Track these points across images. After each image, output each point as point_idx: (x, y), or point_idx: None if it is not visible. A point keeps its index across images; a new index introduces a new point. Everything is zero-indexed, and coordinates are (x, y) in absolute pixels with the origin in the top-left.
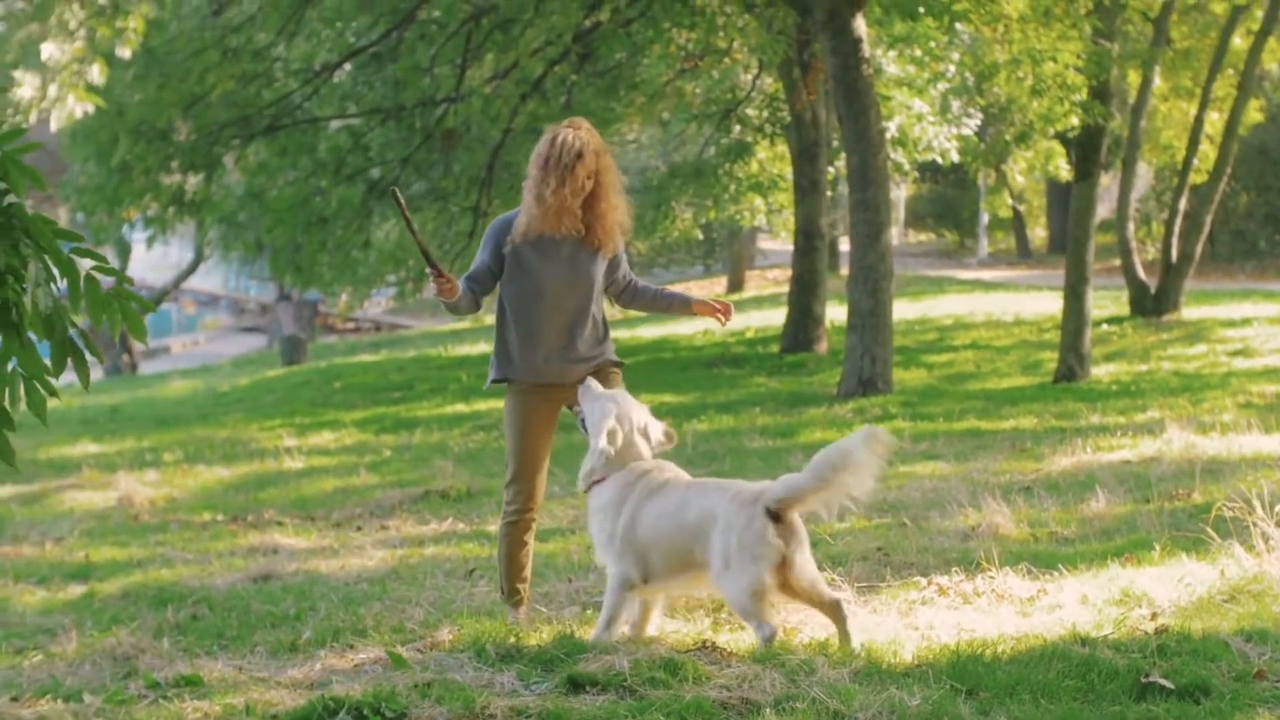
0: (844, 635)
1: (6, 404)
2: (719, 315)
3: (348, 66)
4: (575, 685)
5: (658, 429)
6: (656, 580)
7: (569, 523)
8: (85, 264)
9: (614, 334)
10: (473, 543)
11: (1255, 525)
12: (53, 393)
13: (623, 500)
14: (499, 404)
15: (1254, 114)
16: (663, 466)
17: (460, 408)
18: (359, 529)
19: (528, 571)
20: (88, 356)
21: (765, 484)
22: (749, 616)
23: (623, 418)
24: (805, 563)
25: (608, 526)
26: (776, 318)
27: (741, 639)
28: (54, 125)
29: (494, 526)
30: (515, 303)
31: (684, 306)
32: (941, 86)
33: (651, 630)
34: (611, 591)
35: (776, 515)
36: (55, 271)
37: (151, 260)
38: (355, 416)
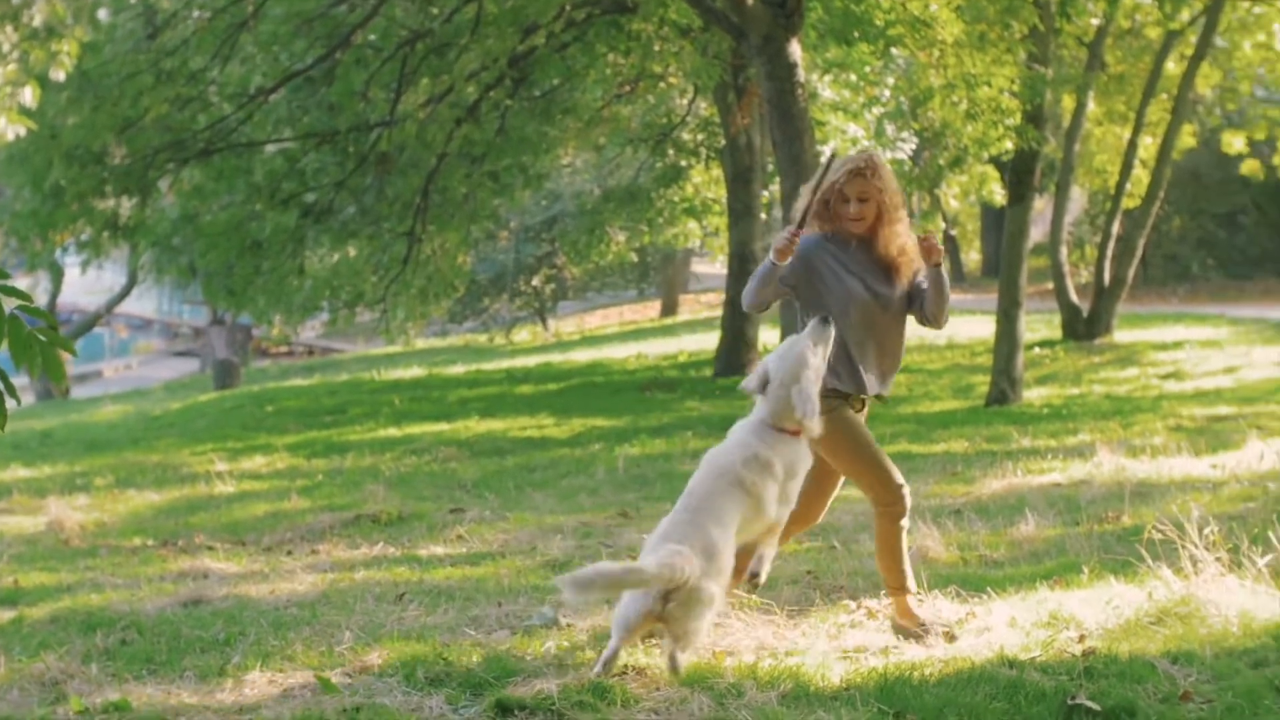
0: None
1: None
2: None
3: (283, 90)
4: (504, 709)
5: None
6: None
7: (499, 547)
8: (10, 303)
9: (546, 357)
10: (403, 566)
11: (1184, 548)
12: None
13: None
14: (431, 428)
15: (1187, 138)
16: None
17: (392, 432)
18: (289, 553)
19: None
20: (7, 399)
21: None
22: None
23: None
24: None
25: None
26: (710, 341)
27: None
28: None
29: (424, 551)
30: None
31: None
32: (876, 111)
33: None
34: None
35: None
36: None
37: (85, 284)
38: (287, 441)
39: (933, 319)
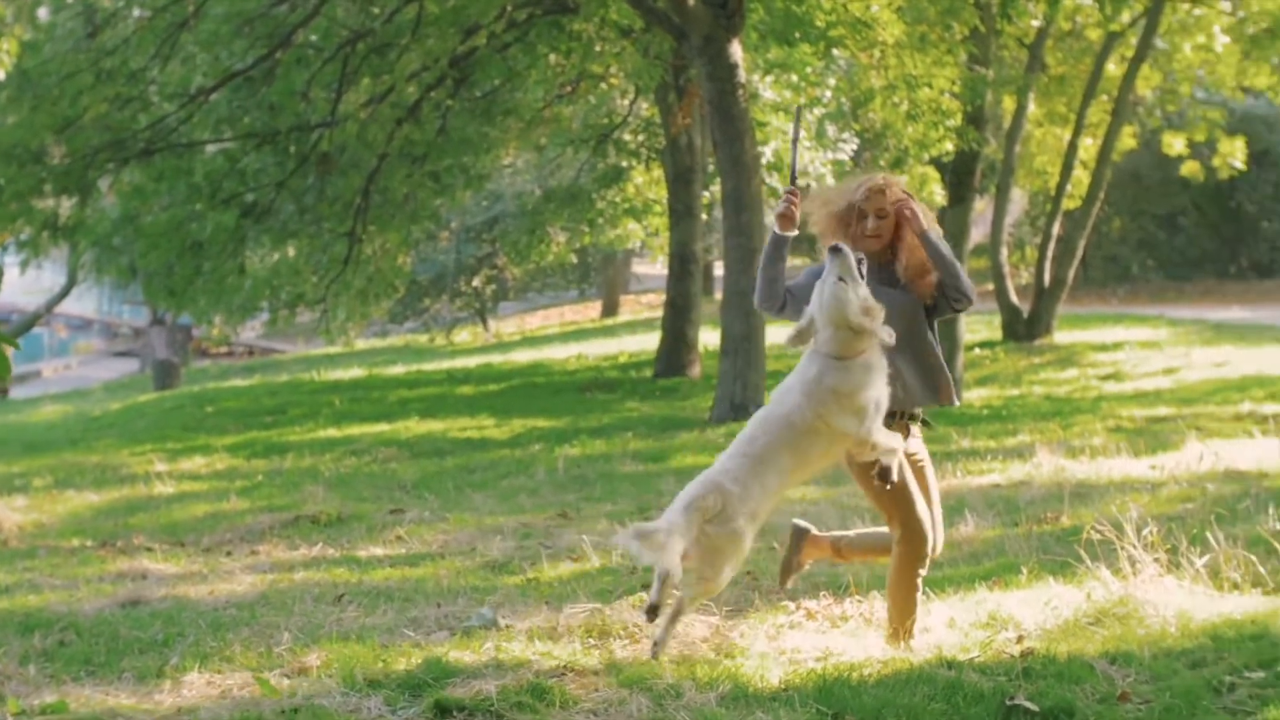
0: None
1: None
2: None
3: (223, 90)
4: (442, 711)
5: None
6: None
7: (438, 548)
8: None
9: (486, 358)
10: (342, 567)
11: (1122, 549)
12: None
13: None
14: (372, 429)
15: (1127, 140)
16: None
17: (332, 432)
18: (228, 554)
19: None
20: None
21: None
22: None
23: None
24: None
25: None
26: (650, 342)
27: (612, 664)
28: None
29: (364, 552)
30: None
31: None
32: (817, 111)
33: None
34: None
35: None
36: None
37: (24, 284)
38: (227, 441)
39: (956, 295)
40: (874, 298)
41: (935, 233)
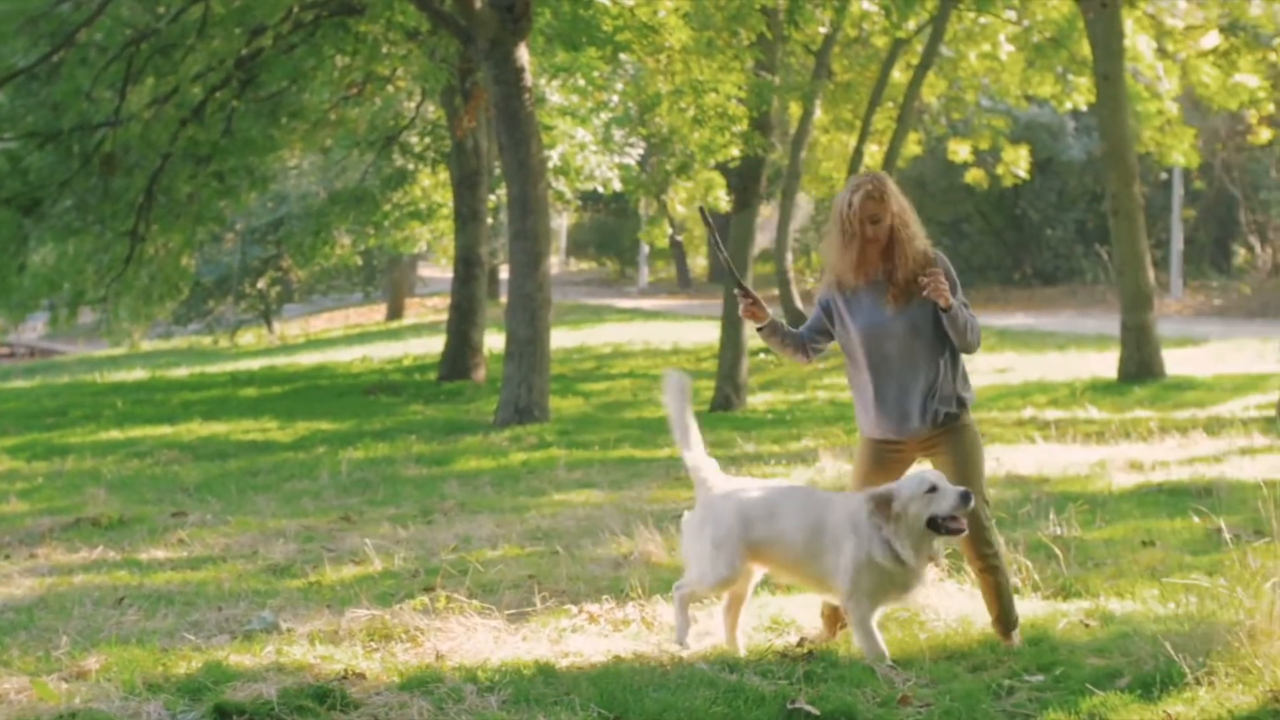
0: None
1: None
2: None
3: (5, 89)
4: (222, 715)
5: None
6: None
7: (220, 551)
8: None
9: (270, 360)
10: (123, 571)
11: None
12: None
13: None
14: (154, 431)
15: (912, 146)
16: None
17: (115, 434)
18: (7, 557)
19: None
20: None
21: None
22: None
23: None
24: None
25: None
26: (435, 345)
27: (393, 667)
28: None
29: (145, 555)
30: None
31: None
32: (604, 116)
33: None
34: None
35: None
36: None
37: None
38: (6, 443)
39: (962, 349)
40: (872, 334)
41: (958, 302)
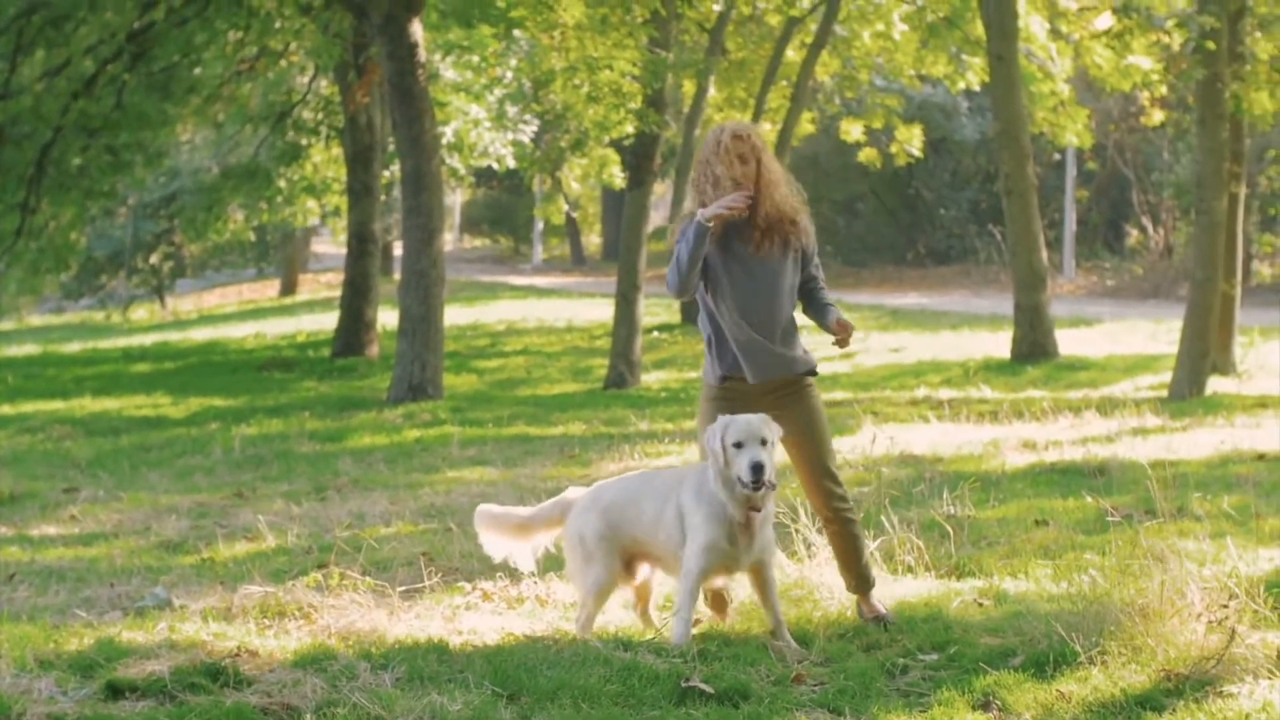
0: None
1: None
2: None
3: None
4: (114, 691)
5: None
6: None
7: (112, 527)
8: None
9: (163, 335)
10: (14, 547)
11: (798, 532)
12: None
13: None
14: (45, 406)
15: (806, 125)
16: None
17: (5, 409)
18: None
19: None
20: None
21: None
22: None
23: None
24: None
25: None
26: (329, 322)
27: (286, 644)
28: None
29: (36, 531)
30: None
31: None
32: (498, 92)
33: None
34: None
35: None
36: None
37: None
38: None
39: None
40: (732, 269)
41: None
